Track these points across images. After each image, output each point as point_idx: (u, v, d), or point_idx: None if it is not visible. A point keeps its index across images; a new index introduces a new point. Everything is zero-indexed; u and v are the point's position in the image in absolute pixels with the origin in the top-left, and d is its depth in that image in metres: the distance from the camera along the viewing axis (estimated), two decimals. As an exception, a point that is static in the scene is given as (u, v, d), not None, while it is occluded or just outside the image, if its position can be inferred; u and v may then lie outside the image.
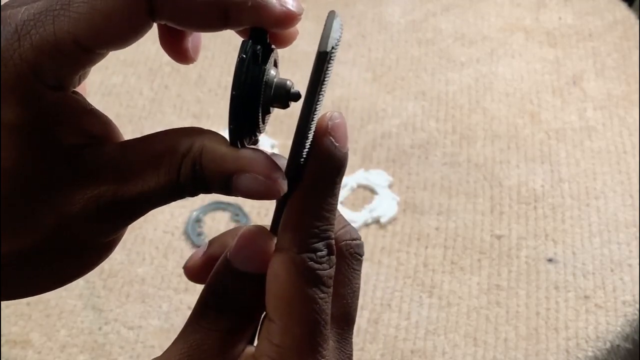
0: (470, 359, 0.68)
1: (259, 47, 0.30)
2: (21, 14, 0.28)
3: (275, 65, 0.32)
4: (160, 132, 0.31)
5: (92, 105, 0.31)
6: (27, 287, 0.31)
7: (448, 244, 0.78)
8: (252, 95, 0.30)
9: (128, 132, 0.91)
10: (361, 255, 0.33)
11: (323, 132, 0.30)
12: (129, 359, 0.69)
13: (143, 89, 0.95)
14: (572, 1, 1.09)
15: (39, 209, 0.29)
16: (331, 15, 0.29)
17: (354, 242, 0.33)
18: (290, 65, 0.97)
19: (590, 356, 0.68)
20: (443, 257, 0.77)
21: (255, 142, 0.32)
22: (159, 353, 0.76)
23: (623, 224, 0.79)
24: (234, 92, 0.30)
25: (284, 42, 0.32)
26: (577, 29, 1.04)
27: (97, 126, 0.31)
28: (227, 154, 0.30)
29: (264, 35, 0.31)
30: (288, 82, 0.31)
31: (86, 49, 0.28)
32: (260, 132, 0.32)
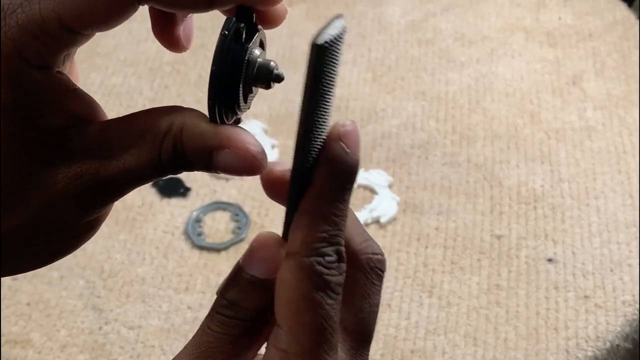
0: (470, 359, 0.68)
1: (242, 25, 0.30)
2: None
3: (262, 46, 0.32)
4: (142, 111, 0.31)
5: (76, 85, 0.31)
6: (13, 266, 0.32)
7: (448, 244, 0.78)
8: (232, 72, 0.30)
9: (128, 132, 0.91)
10: (382, 271, 0.32)
11: (335, 138, 0.30)
12: (129, 358, 0.69)
13: (143, 89, 0.95)
14: (572, 1, 1.09)
15: (24, 188, 0.29)
16: (335, 17, 0.29)
17: (376, 256, 0.32)
18: (291, 66, 0.97)
19: (590, 356, 0.68)
20: (443, 257, 0.77)
21: (238, 121, 0.32)
22: (159, 353, 0.76)
23: (623, 224, 0.79)
24: (213, 68, 0.30)
25: (272, 22, 0.32)
26: (577, 29, 1.05)
27: (81, 106, 0.31)
28: (207, 131, 0.30)
29: (249, 15, 0.31)
30: (272, 63, 0.31)
31: (71, 29, 0.29)
32: (242, 111, 0.32)
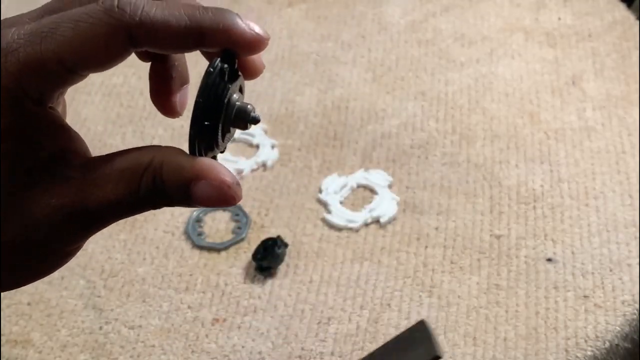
0: (469, 358, 0.69)
1: (226, 66, 0.33)
2: (11, 34, 0.31)
3: (241, 91, 0.35)
4: (124, 150, 0.33)
5: (65, 122, 0.34)
6: None
7: (448, 244, 0.78)
8: (215, 106, 0.33)
9: (129, 132, 0.91)
10: None
11: None
12: (130, 358, 0.69)
13: (144, 89, 0.95)
14: (571, 1, 1.09)
15: (8, 213, 0.31)
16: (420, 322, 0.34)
17: None
18: (290, 66, 0.97)
19: (589, 355, 0.68)
20: (443, 256, 0.77)
21: (214, 158, 0.34)
22: (159, 352, 0.77)
23: (622, 223, 0.79)
24: (199, 100, 0.32)
25: (251, 73, 0.35)
26: (576, 30, 1.05)
27: (67, 141, 0.33)
28: (184, 164, 0.32)
29: (233, 59, 0.33)
30: (249, 106, 0.34)
31: (69, 69, 0.31)
32: (219, 149, 0.34)
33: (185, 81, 0.36)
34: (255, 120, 0.34)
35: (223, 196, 0.32)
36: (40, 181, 0.31)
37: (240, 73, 0.34)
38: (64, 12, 0.31)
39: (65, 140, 0.33)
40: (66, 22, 0.31)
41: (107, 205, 0.32)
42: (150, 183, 0.32)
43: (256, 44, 0.33)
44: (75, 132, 0.34)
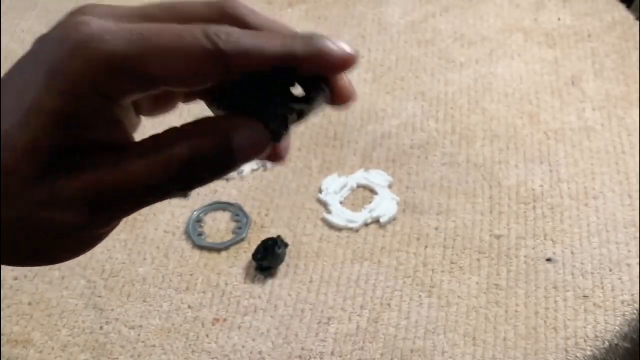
0: (469, 358, 0.69)
1: (294, 82, 0.33)
2: (105, 23, 0.30)
3: (300, 116, 0.34)
4: (155, 135, 0.33)
5: (122, 117, 0.33)
6: (6, 258, 0.33)
7: (447, 244, 0.78)
8: (261, 92, 0.33)
9: (129, 132, 0.91)
10: None
11: None
12: (130, 358, 0.69)
13: (143, 90, 0.95)
14: (570, 2, 1.10)
15: (39, 190, 0.31)
16: None
17: None
18: (290, 66, 0.97)
19: (589, 355, 0.69)
20: (442, 256, 0.77)
21: None
22: (159, 352, 0.77)
23: (622, 223, 0.79)
24: (260, 77, 0.32)
25: (343, 99, 0.35)
26: (575, 30, 1.05)
27: (117, 136, 0.33)
28: (214, 123, 0.33)
29: (317, 84, 0.33)
30: (283, 128, 0.33)
31: (153, 79, 0.30)
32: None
33: None
34: (275, 136, 0.33)
35: (265, 136, 0.33)
36: (74, 163, 0.31)
37: (316, 103, 0.34)
38: (166, 25, 0.31)
39: (114, 136, 0.33)
40: (167, 34, 0.30)
41: (135, 188, 0.32)
42: (184, 165, 0.32)
43: (347, 62, 0.33)
44: (128, 131, 0.34)
